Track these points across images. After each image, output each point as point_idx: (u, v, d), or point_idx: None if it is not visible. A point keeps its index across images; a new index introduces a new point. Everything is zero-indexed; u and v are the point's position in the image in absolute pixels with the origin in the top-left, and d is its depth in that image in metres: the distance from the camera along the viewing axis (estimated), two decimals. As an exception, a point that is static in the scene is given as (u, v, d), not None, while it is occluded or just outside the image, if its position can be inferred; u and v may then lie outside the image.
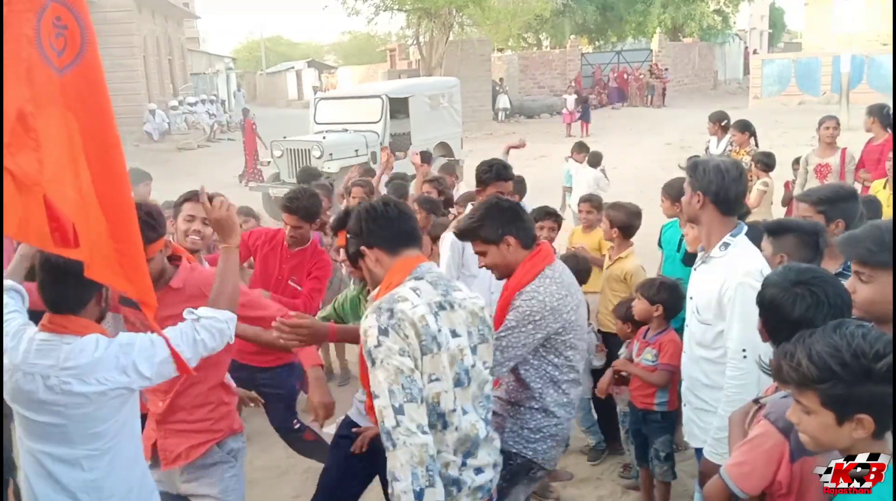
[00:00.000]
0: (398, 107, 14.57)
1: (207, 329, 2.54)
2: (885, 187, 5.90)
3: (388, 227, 2.43)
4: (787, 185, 7.92)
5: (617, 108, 33.10)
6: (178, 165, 19.62)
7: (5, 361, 2.39)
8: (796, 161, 7.78)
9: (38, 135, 2.11)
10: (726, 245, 2.95)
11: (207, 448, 2.97)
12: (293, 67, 49.94)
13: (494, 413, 2.87)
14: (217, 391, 3.04)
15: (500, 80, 31.98)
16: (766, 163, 7.02)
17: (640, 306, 4.07)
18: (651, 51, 37.53)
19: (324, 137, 13.49)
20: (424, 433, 2.18)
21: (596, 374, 4.52)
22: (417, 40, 28.34)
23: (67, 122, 2.23)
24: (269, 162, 13.92)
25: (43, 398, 2.36)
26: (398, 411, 2.16)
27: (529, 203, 6.61)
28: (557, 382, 2.94)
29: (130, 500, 2.55)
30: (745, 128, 7.79)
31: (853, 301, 2.22)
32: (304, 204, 4.31)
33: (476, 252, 3.05)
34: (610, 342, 4.72)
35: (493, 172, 4.28)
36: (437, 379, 2.26)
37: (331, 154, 12.95)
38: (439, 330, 2.28)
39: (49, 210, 2.09)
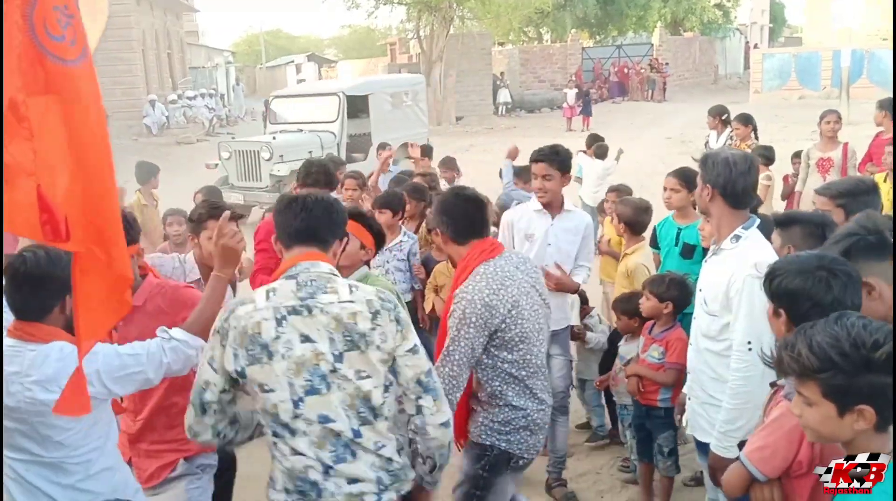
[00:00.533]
0: (358, 105, 13.81)
1: (175, 353, 2.54)
2: (885, 181, 5.89)
3: (287, 222, 2.41)
4: (786, 179, 7.91)
5: (617, 102, 33.06)
6: (176, 160, 19.59)
7: None
8: (796, 155, 7.77)
9: (31, 124, 2.08)
10: (737, 238, 2.94)
11: (175, 465, 2.99)
12: (293, 61, 49.82)
13: (472, 410, 3.02)
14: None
15: (501, 74, 31.93)
16: (767, 156, 7.00)
17: (648, 304, 4.03)
18: (652, 45, 37.46)
19: (274, 138, 12.73)
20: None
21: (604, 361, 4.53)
22: (418, 34, 28.28)
23: (65, 113, 2.21)
24: (216, 165, 12.89)
25: (7, 403, 2.33)
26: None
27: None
28: (517, 378, 2.94)
29: None
30: (748, 121, 7.77)
31: None
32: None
33: None
34: (611, 336, 4.76)
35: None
36: (271, 390, 2.19)
37: (281, 156, 12.20)
38: (276, 337, 2.19)
39: (41, 201, 2.07)
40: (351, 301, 2.26)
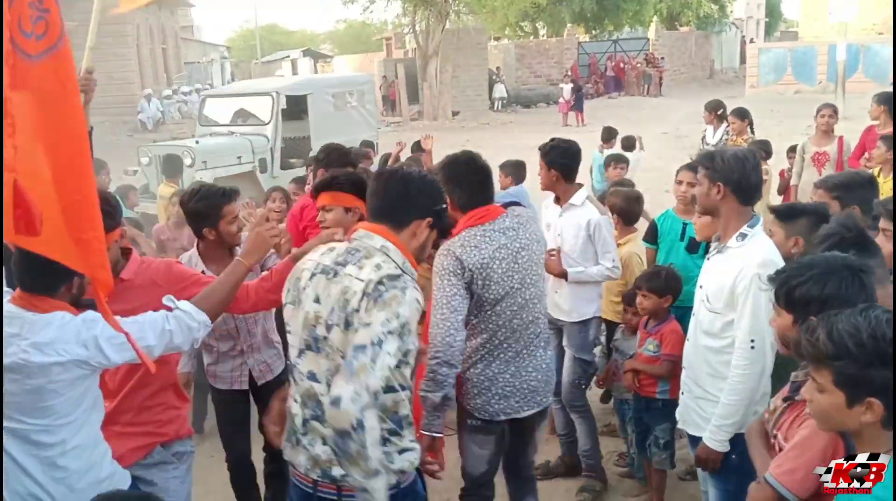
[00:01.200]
0: (297, 106, 12.56)
1: (178, 322, 2.53)
2: (878, 175, 5.89)
3: (367, 201, 2.49)
4: (782, 173, 7.91)
5: (613, 97, 33.05)
6: (172, 155, 19.48)
7: None
8: (791, 149, 7.77)
9: (13, 121, 2.08)
10: (743, 236, 2.92)
11: (149, 451, 2.97)
12: (288, 56, 49.70)
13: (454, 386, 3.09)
14: (167, 394, 3.02)
15: (497, 69, 31.90)
16: (764, 151, 7.01)
17: (648, 302, 4.02)
18: (648, 40, 37.45)
19: (197, 142, 11.38)
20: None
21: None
22: (413, 29, 28.23)
23: (35, 108, 2.21)
24: (135, 171, 11.30)
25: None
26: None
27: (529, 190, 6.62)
28: (491, 341, 3.09)
29: (101, 488, 2.44)
30: (744, 116, 7.78)
31: None
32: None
33: None
34: (610, 331, 4.77)
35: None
36: (290, 332, 2.40)
37: (204, 162, 10.77)
38: (304, 288, 2.34)
39: (17, 197, 2.06)
40: (359, 279, 2.24)
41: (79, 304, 2.54)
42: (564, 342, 4.32)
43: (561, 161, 4.10)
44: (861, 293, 2.07)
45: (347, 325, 2.20)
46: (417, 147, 8.02)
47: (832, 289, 2.08)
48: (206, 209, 3.62)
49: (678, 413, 3.27)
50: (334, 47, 61.78)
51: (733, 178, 2.91)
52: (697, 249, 4.49)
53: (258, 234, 2.77)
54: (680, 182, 4.70)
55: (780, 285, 2.18)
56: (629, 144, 9.56)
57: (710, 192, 2.95)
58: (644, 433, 4.12)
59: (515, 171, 6.42)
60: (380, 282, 2.19)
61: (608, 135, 9.88)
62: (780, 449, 2.18)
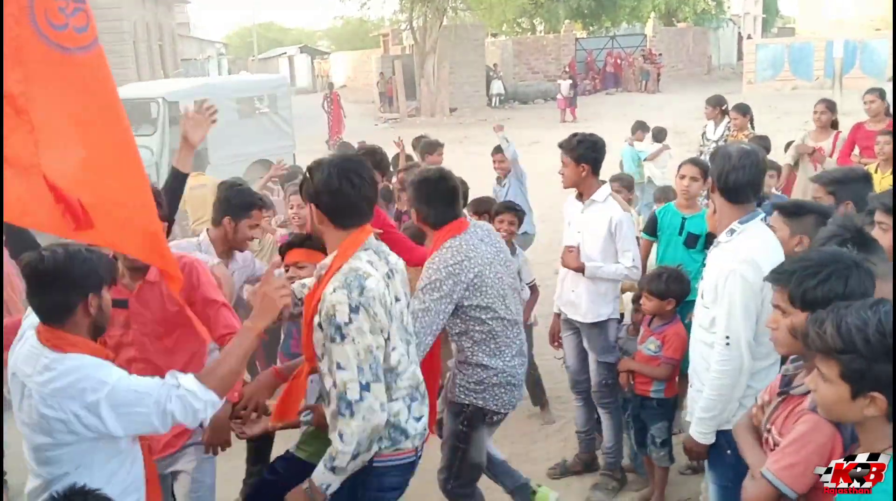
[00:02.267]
0: None
1: (182, 402, 2.31)
2: (876, 171, 5.90)
3: (344, 201, 2.52)
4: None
5: (611, 93, 33.02)
6: (170, 152, 19.44)
7: (11, 360, 2.34)
8: (789, 145, 7.77)
9: (30, 116, 2.07)
10: (732, 232, 2.94)
11: (191, 433, 2.99)
12: (285, 53, 49.62)
13: (452, 374, 3.39)
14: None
15: (495, 65, 31.85)
16: (763, 146, 7.00)
17: (650, 305, 4.01)
18: (645, 36, 37.40)
19: None
20: (383, 411, 2.46)
21: None
22: (411, 25, 28.17)
23: (69, 101, 2.18)
24: None
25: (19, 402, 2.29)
26: (364, 388, 2.40)
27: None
28: (486, 341, 3.27)
29: None
30: (746, 111, 7.79)
31: None
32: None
33: None
34: None
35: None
36: (391, 344, 2.53)
37: None
38: (391, 302, 2.54)
39: (53, 191, 2.05)
40: (399, 258, 2.71)
41: (98, 331, 2.40)
42: (586, 345, 4.30)
43: (591, 155, 4.07)
44: (872, 288, 2.09)
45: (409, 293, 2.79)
46: (430, 148, 7.95)
47: (854, 285, 2.07)
48: (239, 201, 3.89)
49: (687, 404, 3.29)
50: (331, 44, 61.68)
51: (715, 174, 2.97)
52: (696, 244, 4.49)
53: (265, 295, 2.48)
54: (683, 177, 4.69)
55: (795, 285, 2.13)
56: (661, 135, 9.58)
57: (707, 185, 3.04)
58: (642, 431, 4.13)
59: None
60: None
61: (638, 127, 9.89)
62: (774, 444, 2.17)
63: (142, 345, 2.96)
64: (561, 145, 4.14)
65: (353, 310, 2.38)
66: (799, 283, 2.12)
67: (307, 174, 2.59)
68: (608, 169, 6.81)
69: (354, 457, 2.43)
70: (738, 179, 2.92)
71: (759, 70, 30.86)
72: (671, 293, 3.96)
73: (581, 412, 4.50)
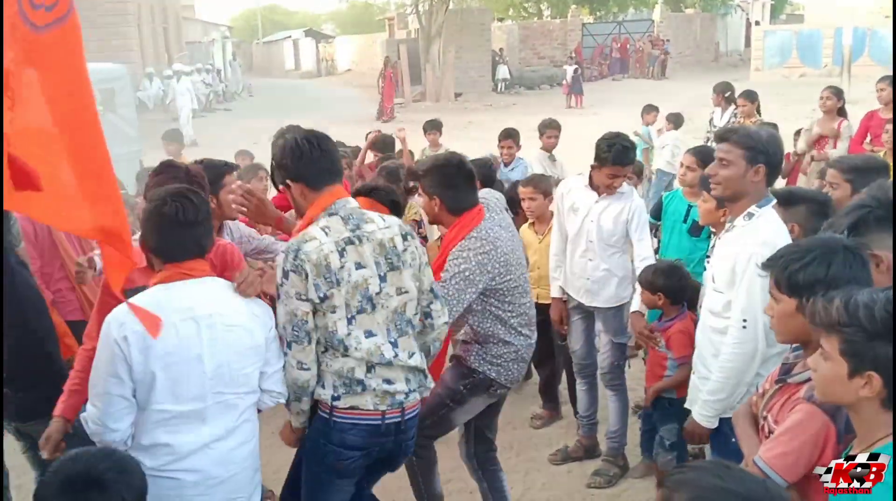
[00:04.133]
0: None
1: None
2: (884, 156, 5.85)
3: (312, 164, 2.65)
4: (787, 156, 7.86)
5: (618, 79, 32.86)
6: (174, 135, 19.42)
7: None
8: (797, 133, 7.72)
9: (13, 94, 2.08)
10: (750, 215, 2.90)
11: None
12: (290, 37, 49.40)
13: (463, 341, 3.41)
14: None
15: (500, 50, 31.69)
16: (769, 134, 6.95)
17: (643, 297, 3.93)
18: (652, 21, 37.16)
19: None
20: (304, 369, 2.60)
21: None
22: (416, 9, 28.01)
23: (40, 80, 2.19)
24: None
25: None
26: (287, 346, 2.59)
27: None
28: (506, 320, 3.31)
29: None
30: (753, 98, 7.73)
31: None
32: None
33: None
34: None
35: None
36: (334, 311, 2.59)
37: None
38: (341, 267, 2.58)
39: (11, 163, 2.06)
40: (388, 226, 2.73)
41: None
42: (599, 327, 4.30)
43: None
44: (863, 272, 2.07)
45: (402, 265, 2.76)
46: (431, 127, 8.02)
47: (837, 269, 2.06)
48: (210, 176, 3.75)
49: (689, 392, 3.25)
50: (336, 27, 61.43)
51: (773, 158, 2.87)
52: (700, 232, 4.46)
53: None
54: (681, 165, 4.69)
55: (780, 270, 2.15)
56: (678, 121, 9.48)
57: (748, 174, 2.86)
58: (651, 433, 4.03)
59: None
60: (401, 223, 2.89)
61: (651, 110, 9.83)
62: (770, 431, 2.16)
63: None
64: (630, 159, 4.11)
65: (284, 274, 2.55)
66: (783, 268, 2.14)
67: (273, 159, 2.75)
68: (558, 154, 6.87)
69: (291, 401, 2.70)
70: (778, 159, 2.93)
71: (767, 57, 30.67)
72: (658, 288, 3.83)
73: (585, 396, 4.48)
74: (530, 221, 4.86)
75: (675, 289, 3.85)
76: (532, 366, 4.92)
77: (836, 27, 27.67)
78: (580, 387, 4.48)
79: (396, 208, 3.53)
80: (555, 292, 4.42)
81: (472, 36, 28.74)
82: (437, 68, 27.13)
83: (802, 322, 2.05)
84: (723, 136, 2.97)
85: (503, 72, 30.27)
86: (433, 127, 8.11)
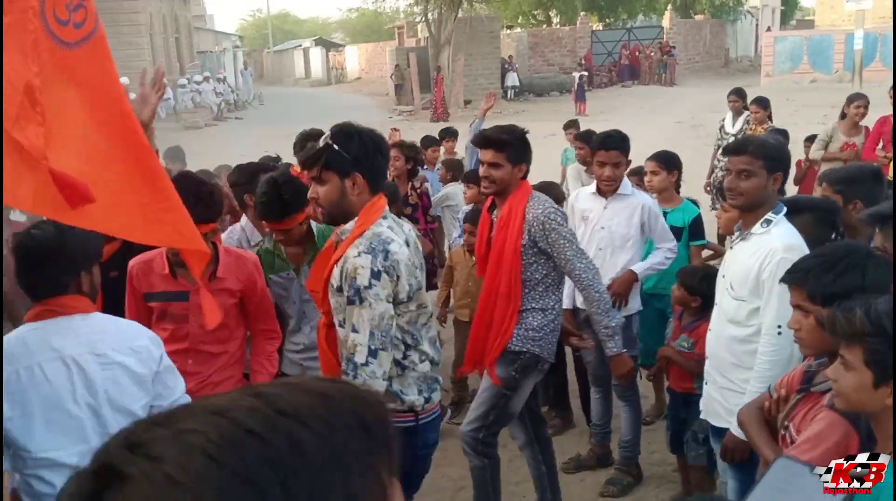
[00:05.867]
0: None
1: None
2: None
3: (382, 165, 2.70)
4: (798, 163, 7.82)
5: (627, 86, 32.83)
6: (185, 145, 19.55)
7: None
8: (808, 139, 7.69)
9: (43, 109, 2.11)
10: (768, 222, 2.90)
11: None
12: (300, 45, 49.66)
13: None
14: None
15: (510, 57, 31.74)
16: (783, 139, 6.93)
17: (678, 294, 3.93)
18: (662, 28, 37.11)
19: None
20: (384, 380, 2.55)
21: None
22: (426, 17, 28.10)
23: (73, 96, 2.22)
24: None
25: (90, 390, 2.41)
26: (372, 354, 2.49)
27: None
28: (546, 284, 3.43)
29: None
30: (766, 105, 7.72)
31: None
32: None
33: None
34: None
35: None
36: (424, 306, 2.73)
37: None
38: (415, 266, 2.65)
39: (58, 179, 2.08)
40: (411, 229, 2.87)
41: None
42: None
43: (629, 150, 4.15)
44: (889, 278, 2.06)
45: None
46: (447, 134, 8.09)
47: (873, 275, 2.06)
48: (244, 179, 4.06)
49: (701, 404, 3.23)
50: (346, 36, 61.67)
51: (786, 165, 2.95)
52: (679, 237, 4.48)
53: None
54: (646, 172, 4.79)
55: (813, 281, 2.11)
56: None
57: (768, 183, 2.89)
58: (679, 431, 3.96)
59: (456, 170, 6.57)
60: None
61: (570, 125, 9.10)
62: (792, 441, 2.14)
63: (196, 337, 3.03)
64: (614, 144, 4.09)
65: (375, 275, 2.46)
66: (817, 279, 2.11)
67: (340, 144, 2.55)
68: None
69: None
70: (788, 166, 2.98)
71: (778, 63, 30.57)
72: (700, 292, 3.83)
73: (598, 404, 4.46)
74: None
75: (711, 296, 3.83)
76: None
77: (847, 32, 27.57)
78: (594, 396, 4.47)
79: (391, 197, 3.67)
80: (566, 304, 4.40)
81: (482, 44, 28.79)
82: (447, 76, 27.20)
83: (809, 323, 2.09)
84: (737, 148, 2.98)
85: (512, 79, 30.30)
86: (449, 134, 8.20)
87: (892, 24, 30.37)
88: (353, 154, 2.55)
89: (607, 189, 4.12)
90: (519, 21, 38.84)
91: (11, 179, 2.02)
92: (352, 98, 34.64)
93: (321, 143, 2.59)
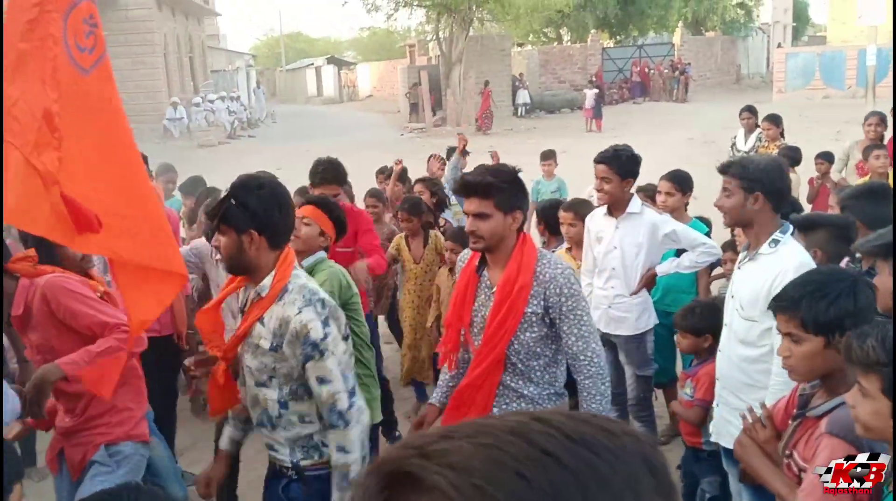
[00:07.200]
0: None
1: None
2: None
3: (284, 221, 2.55)
4: (811, 181, 7.76)
5: (638, 102, 32.85)
6: (198, 163, 19.69)
7: None
8: (820, 156, 7.63)
9: (60, 134, 2.15)
10: (776, 242, 2.89)
11: (97, 449, 2.96)
12: (312, 64, 50.04)
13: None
14: (122, 395, 2.97)
15: (520, 75, 31.85)
16: (793, 158, 6.90)
17: (686, 343, 3.76)
18: (673, 45, 37.18)
19: None
20: (367, 407, 2.53)
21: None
22: (437, 36, 28.26)
23: (88, 121, 2.27)
24: None
25: None
26: (351, 394, 2.45)
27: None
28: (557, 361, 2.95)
29: None
30: (778, 122, 7.69)
31: None
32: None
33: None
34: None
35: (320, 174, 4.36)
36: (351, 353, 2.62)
37: None
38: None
39: (69, 205, 2.12)
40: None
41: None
42: (623, 360, 4.25)
43: (635, 170, 4.06)
44: (874, 298, 2.09)
45: None
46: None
47: (863, 301, 2.05)
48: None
49: (712, 426, 3.19)
50: (358, 54, 62.11)
51: (771, 186, 2.88)
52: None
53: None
54: (659, 192, 4.79)
55: (806, 310, 2.10)
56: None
57: (747, 202, 2.90)
58: (691, 486, 3.78)
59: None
60: None
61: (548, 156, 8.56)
62: (799, 469, 2.11)
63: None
64: (605, 160, 4.01)
65: (325, 323, 2.43)
66: (810, 308, 2.09)
67: (238, 199, 2.46)
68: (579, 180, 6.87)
69: (363, 460, 2.46)
70: (786, 186, 2.94)
71: (790, 79, 30.53)
72: (707, 328, 3.62)
73: None
74: (567, 246, 4.82)
75: (719, 325, 3.60)
76: None
77: (859, 48, 27.49)
78: (612, 414, 4.44)
79: (341, 227, 3.65)
80: None
81: (493, 62, 28.91)
82: (458, 94, 27.30)
83: (827, 358, 2.04)
84: (723, 168, 3.04)
85: (523, 96, 30.38)
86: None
87: (904, 39, 30.31)
88: (250, 211, 2.43)
89: (601, 203, 4.13)
90: (530, 39, 39.00)
91: (27, 202, 2.05)
92: (363, 116, 34.81)
93: (222, 195, 2.55)
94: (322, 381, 2.42)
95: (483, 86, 26.91)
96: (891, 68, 27.23)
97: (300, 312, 2.41)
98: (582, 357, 2.76)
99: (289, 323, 2.41)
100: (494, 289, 2.81)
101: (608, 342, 4.26)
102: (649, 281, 4.08)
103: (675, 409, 3.85)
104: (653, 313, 4.18)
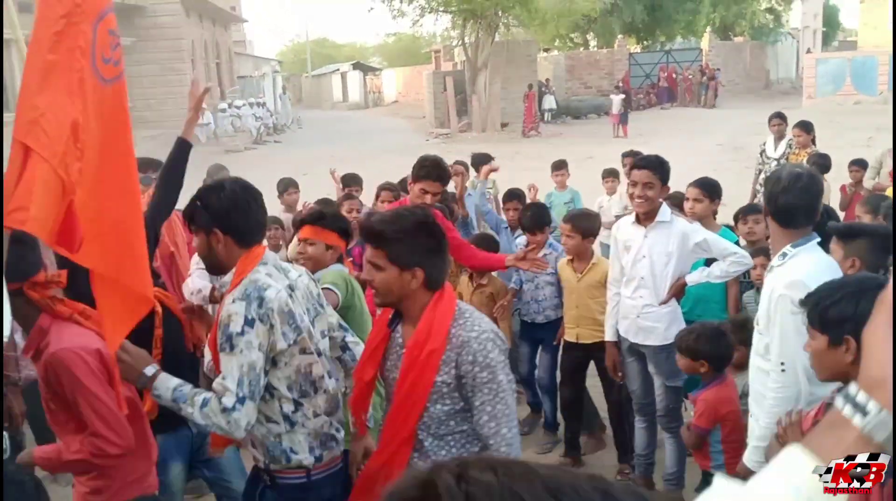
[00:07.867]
0: None
1: None
2: None
3: (248, 218, 2.58)
4: (843, 189, 7.64)
5: (666, 108, 32.63)
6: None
7: None
8: (853, 163, 7.51)
9: (83, 145, 2.16)
10: (784, 255, 2.86)
11: None
12: (338, 70, 50.37)
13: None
14: (131, 463, 2.74)
15: (546, 80, 31.78)
16: (822, 165, 6.78)
17: (682, 362, 3.70)
18: (701, 50, 36.90)
19: None
20: (246, 429, 2.42)
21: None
22: (463, 42, 28.28)
23: (97, 132, 2.29)
24: None
25: None
26: (239, 400, 2.37)
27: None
28: None
29: None
30: (809, 129, 7.57)
31: None
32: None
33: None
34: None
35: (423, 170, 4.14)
36: (306, 352, 2.54)
37: None
38: (296, 312, 2.51)
39: (69, 216, 2.15)
40: (301, 275, 2.71)
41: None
42: (652, 370, 4.20)
43: (668, 175, 4.02)
44: None
45: (322, 308, 2.81)
46: (481, 160, 7.92)
47: (866, 306, 1.99)
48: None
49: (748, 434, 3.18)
50: (383, 60, 62.42)
51: (768, 199, 2.91)
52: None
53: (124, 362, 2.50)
54: (687, 199, 4.74)
55: (812, 307, 2.15)
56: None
57: (766, 224, 2.99)
58: None
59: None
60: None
61: (560, 166, 8.12)
62: None
63: None
64: (650, 165, 3.96)
65: (248, 323, 2.37)
66: (815, 306, 2.14)
67: (202, 200, 2.57)
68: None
69: (199, 422, 2.46)
70: (788, 202, 2.87)
71: (820, 85, 30.13)
72: (703, 354, 3.56)
73: (643, 434, 4.39)
74: (568, 257, 4.78)
75: (719, 357, 3.58)
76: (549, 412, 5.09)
77: (891, 53, 27.07)
78: (639, 425, 4.39)
79: (345, 236, 3.64)
80: (609, 336, 4.32)
81: (519, 67, 28.89)
82: (484, 99, 27.29)
83: (837, 359, 2.04)
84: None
85: (549, 102, 30.29)
86: (481, 161, 8.05)
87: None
88: (211, 211, 2.52)
89: (640, 211, 4.02)
90: (556, 44, 38.92)
91: (49, 215, 2.06)
92: (389, 121, 34.94)
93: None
94: (222, 375, 2.42)
95: (527, 89, 26.92)
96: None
97: (233, 302, 2.41)
98: (491, 442, 2.31)
99: (223, 310, 2.47)
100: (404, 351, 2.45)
101: (636, 352, 4.22)
102: (679, 291, 4.02)
103: (683, 433, 3.82)
104: (682, 323, 4.11)
